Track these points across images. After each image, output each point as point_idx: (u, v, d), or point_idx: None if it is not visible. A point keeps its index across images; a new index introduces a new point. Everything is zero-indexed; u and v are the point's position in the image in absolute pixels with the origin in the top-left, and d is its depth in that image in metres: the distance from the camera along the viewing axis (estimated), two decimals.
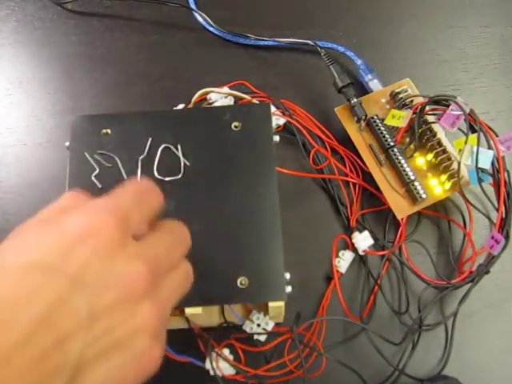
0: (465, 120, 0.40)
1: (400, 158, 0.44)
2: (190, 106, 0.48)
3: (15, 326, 0.21)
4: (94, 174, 0.37)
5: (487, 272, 0.40)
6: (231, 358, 0.39)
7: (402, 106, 0.46)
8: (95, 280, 0.23)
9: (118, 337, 0.24)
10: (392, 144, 0.44)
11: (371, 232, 0.44)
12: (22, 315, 0.21)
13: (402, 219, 0.44)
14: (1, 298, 0.21)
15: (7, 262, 0.23)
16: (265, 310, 0.38)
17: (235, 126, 0.39)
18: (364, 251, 0.44)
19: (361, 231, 0.44)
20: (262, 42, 0.53)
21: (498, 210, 0.40)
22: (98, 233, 0.24)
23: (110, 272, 0.24)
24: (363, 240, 0.44)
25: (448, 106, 0.42)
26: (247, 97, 0.48)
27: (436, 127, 0.45)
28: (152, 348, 0.26)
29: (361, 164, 0.46)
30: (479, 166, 0.39)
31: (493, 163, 0.40)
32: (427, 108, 0.43)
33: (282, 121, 0.48)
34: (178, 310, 0.37)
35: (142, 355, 0.25)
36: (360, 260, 0.45)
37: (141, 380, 0.26)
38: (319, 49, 0.49)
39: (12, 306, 0.21)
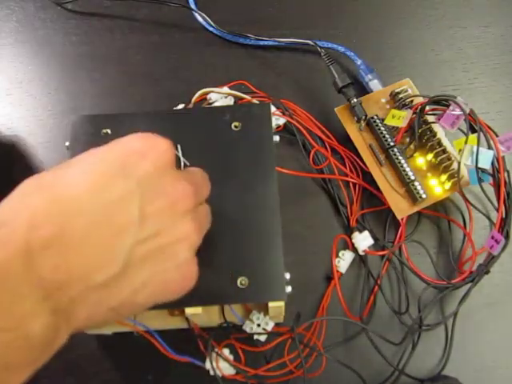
0: (465, 120, 0.40)
1: (400, 157, 0.44)
2: (190, 106, 0.48)
3: (81, 215, 0.25)
4: None
5: (487, 272, 0.40)
6: (231, 358, 0.39)
7: (402, 106, 0.46)
8: (150, 188, 0.27)
9: (163, 242, 0.27)
10: (392, 144, 0.44)
11: (371, 232, 0.44)
12: (88, 206, 0.25)
13: (402, 219, 0.44)
14: (74, 189, 0.25)
15: (87, 162, 0.27)
16: (265, 310, 0.38)
17: (235, 126, 0.39)
18: (364, 251, 0.44)
19: (361, 231, 0.44)
20: (261, 42, 0.53)
21: (497, 210, 0.40)
22: (157, 150, 0.28)
23: (162, 183, 0.28)
24: (363, 240, 0.44)
25: (448, 106, 0.42)
26: (247, 97, 0.48)
27: (436, 127, 0.45)
28: (191, 261, 0.29)
29: (361, 164, 0.46)
30: (479, 166, 0.39)
31: (493, 163, 0.40)
32: (427, 108, 0.43)
33: (281, 121, 0.48)
34: (178, 310, 0.37)
35: (182, 265, 0.29)
36: (360, 260, 0.45)
37: (179, 292, 0.29)
38: (319, 49, 0.49)
39: (81, 198, 0.25)
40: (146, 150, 0.28)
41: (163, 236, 0.27)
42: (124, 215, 0.26)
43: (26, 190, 0.25)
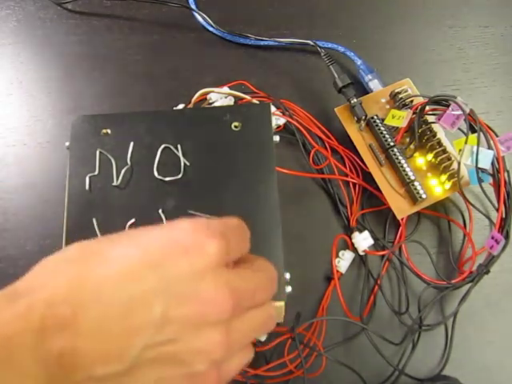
0: (465, 120, 0.40)
1: (400, 158, 0.44)
2: (190, 106, 0.48)
3: (100, 304, 0.24)
4: (93, 175, 0.38)
5: (487, 272, 0.40)
6: None
7: (402, 106, 0.46)
8: (180, 290, 0.25)
9: (179, 349, 0.25)
10: (392, 144, 0.44)
11: (371, 232, 0.44)
12: (108, 297, 0.24)
13: (402, 219, 0.44)
14: (100, 275, 0.24)
15: (118, 248, 0.26)
16: None
17: (235, 126, 0.39)
18: (364, 251, 0.44)
19: (361, 231, 0.44)
20: (262, 42, 0.53)
21: (497, 209, 0.40)
22: (202, 251, 0.26)
23: (196, 288, 0.25)
24: (363, 240, 0.44)
25: (448, 106, 0.42)
26: (247, 97, 0.48)
27: (436, 127, 0.45)
28: (208, 375, 0.26)
29: (361, 164, 0.46)
30: (479, 166, 0.39)
31: (493, 163, 0.40)
32: (427, 108, 0.43)
33: (281, 121, 0.48)
34: None
35: (194, 377, 0.26)
36: (360, 260, 0.45)
37: None
38: (319, 49, 0.49)
39: (105, 286, 0.24)
40: (191, 246, 0.26)
41: (180, 344, 0.25)
42: (143, 315, 0.24)
43: (56, 262, 0.25)
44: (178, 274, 0.25)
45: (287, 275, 0.34)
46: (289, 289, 0.34)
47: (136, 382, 0.24)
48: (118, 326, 0.24)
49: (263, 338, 0.40)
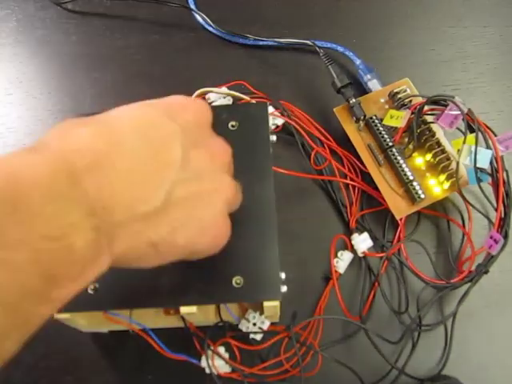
0: (463, 120, 0.40)
1: (399, 158, 0.44)
2: None
3: (127, 147, 0.25)
4: None
5: (486, 272, 0.40)
6: (227, 356, 0.39)
7: (401, 106, 0.46)
8: (191, 135, 0.28)
9: (203, 188, 0.28)
10: (391, 144, 0.44)
11: (370, 232, 0.44)
12: (134, 140, 0.26)
13: (401, 219, 0.44)
14: (120, 124, 0.26)
15: (132, 106, 0.28)
16: (261, 310, 0.38)
17: (232, 126, 0.39)
18: (363, 253, 0.43)
19: (360, 232, 0.44)
20: (261, 42, 0.53)
21: (496, 209, 0.40)
22: (198, 107, 0.30)
23: (202, 135, 0.30)
24: (362, 242, 0.44)
25: (446, 105, 0.42)
26: (246, 97, 0.48)
27: (435, 127, 0.45)
28: (225, 216, 0.30)
29: (359, 165, 0.46)
30: (478, 165, 0.39)
31: (491, 163, 0.39)
32: (426, 108, 0.43)
33: (280, 121, 0.47)
34: (174, 309, 0.37)
35: (217, 216, 0.29)
36: (359, 259, 0.44)
37: (212, 245, 0.30)
38: (318, 49, 0.49)
39: (128, 132, 0.26)
40: (188, 104, 0.30)
41: (203, 182, 0.28)
42: (168, 153, 0.26)
43: (69, 124, 0.26)
44: (186, 122, 0.28)
45: (282, 275, 0.34)
46: (284, 288, 0.34)
47: (171, 218, 0.27)
48: (147, 165, 0.26)
49: (259, 337, 0.40)
